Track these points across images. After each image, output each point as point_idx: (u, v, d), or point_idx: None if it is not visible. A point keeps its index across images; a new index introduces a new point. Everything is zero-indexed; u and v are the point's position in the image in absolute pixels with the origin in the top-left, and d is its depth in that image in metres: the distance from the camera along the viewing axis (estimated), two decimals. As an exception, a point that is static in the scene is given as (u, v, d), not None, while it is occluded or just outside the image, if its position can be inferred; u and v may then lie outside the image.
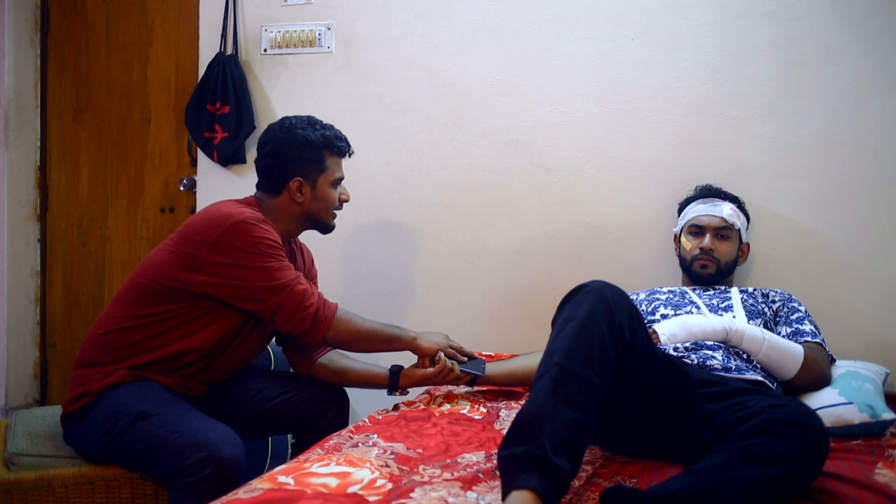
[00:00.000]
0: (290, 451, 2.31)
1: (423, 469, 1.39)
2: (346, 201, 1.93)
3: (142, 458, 1.60)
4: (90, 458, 1.67)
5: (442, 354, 1.87)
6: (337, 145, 1.88)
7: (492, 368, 1.93)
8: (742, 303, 1.96)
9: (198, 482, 1.49)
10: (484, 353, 2.36)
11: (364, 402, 2.60)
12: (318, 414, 1.87)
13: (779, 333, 1.90)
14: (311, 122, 1.88)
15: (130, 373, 1.68)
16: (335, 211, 1.92)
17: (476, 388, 1.98)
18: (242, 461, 1.57)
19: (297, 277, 1.73)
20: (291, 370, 2.00)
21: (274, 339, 2.00)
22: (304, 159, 1.83)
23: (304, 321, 1.71)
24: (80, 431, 1.67)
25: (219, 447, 1.52)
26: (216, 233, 1.67)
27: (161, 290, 1.70)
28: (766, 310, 1.96)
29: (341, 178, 1.91)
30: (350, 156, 1.94)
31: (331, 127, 1.90)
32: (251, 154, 2.69)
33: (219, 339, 1.74)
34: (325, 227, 1.94)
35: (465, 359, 1.91)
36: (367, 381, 1.94)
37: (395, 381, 1.90)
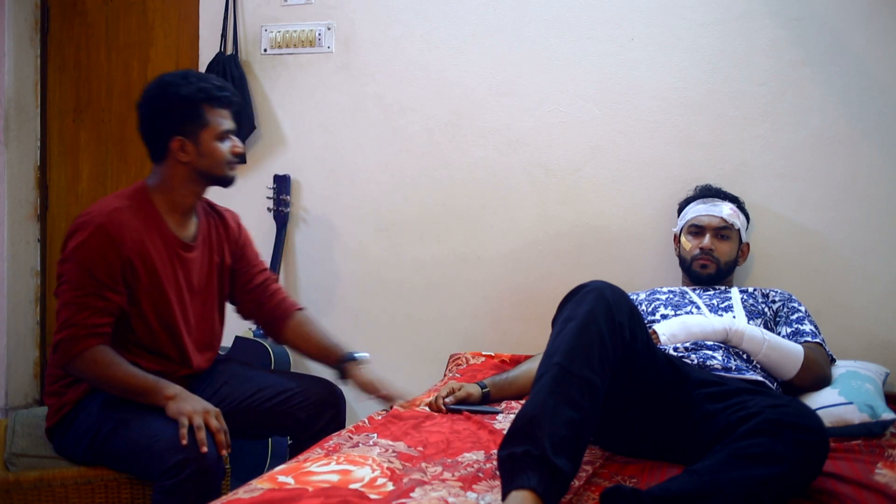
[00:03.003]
0: (288, 452, 2.31)
1: (425, 466, 1.39)
2: (240, 153, 1.79)
3: (125, 464, 1.61)
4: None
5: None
6: (216, 96, 1.73)
7: (494, 390, 1.90)
8: (742, 303, 1.96)
9: (177, 484, 1.48)
10: (484, 353, 2.36)
11: (364, 402, 2.60)
12: (315, 415, 1.86)
13: (779, 333, 1.90)
14: (185, 75, 1.73)
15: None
16: (231, 163, 1.78)
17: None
18: (222, 462, 1.57)
19: (72, 299, 1.62)
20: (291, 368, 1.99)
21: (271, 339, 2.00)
22: (180, 117, 1.70)
23: (55, 343, 1.63)
24: (68, 441, 1.67)
25: (197, 448, 1.51)
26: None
27: None
28: (766, 310, 1.96)
29: (229, 130, 1.77)
30: (235, 105, 1.80)
31: (208, 78, 1.75)
32: (251, 154, 2.69)
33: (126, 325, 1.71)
34: (224, 181, 1.80)
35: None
36: (320, 356, 1.93)
37: (342, 372, 1.88)
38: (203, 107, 1.71)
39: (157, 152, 1.74)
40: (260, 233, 2.67)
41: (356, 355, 1.90)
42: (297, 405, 1.84)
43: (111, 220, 1.64)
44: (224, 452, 1.57)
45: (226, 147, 1.76)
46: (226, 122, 1.76)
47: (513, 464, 1.18)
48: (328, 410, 1.87)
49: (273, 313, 1.93)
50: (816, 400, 1.71)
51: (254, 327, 2.54)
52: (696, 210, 2.09)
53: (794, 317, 1.93)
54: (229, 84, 1.79)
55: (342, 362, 1.88)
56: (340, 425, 1.88)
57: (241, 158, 1.84)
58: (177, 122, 1.70)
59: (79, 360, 1.60)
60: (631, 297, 1.88)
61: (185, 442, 1.51)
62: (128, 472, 1.64)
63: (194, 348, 1.80)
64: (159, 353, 1.73)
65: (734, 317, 1.90)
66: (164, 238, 1.73)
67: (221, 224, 1.91)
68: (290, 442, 1.95)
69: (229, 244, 1.90)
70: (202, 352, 1.83)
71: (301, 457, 1.45)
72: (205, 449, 1.51)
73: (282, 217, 2.61)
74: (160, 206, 1.74)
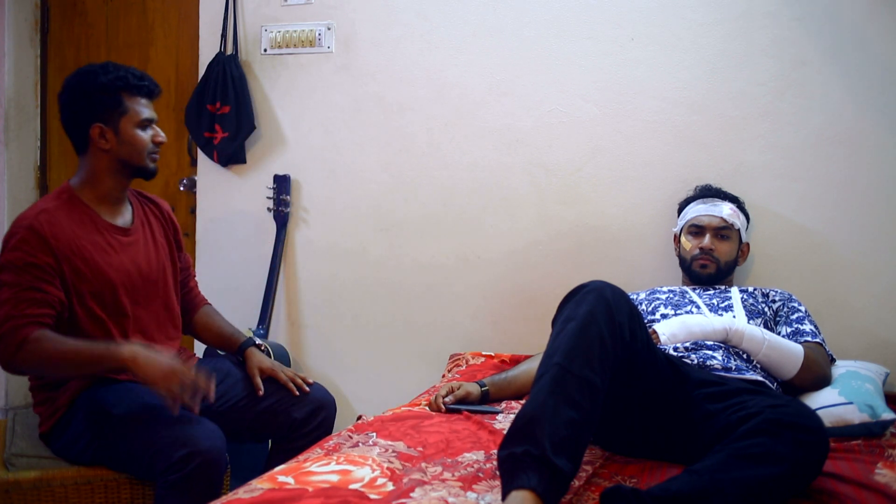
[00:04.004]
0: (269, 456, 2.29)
1: (425, 466, 1.39)
2: (161, 143, 1.80)
3: (126, 462, 1.61)
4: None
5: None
6: (134, 84, 1.75)
7: (494, 389, 1.91)
8: (742, 302, 1.96)
9: (182, 478, 1.49)
10: (484, 353, 2.36)
11: (364, 403, 2.60)
12: (310, 415, 1.86)
13: (779, 333, 1.90)
14: (104, 66, 1.75)
15: (84, 381, 1.69)
16: (152, 154, 1.79)
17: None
18: (225, 454, 1.58)
19: (10, 296, 1.60)
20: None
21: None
22: (99, 104, 1.71)
23: None
24: (66, 443, 1.67)
25: (200, 441, 1.52)
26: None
27: None
28: (766, 309, 1.96)
29: (150, 119, 1.78)
30: (155, 95, 1.81)
31: (127, 68, 1.76)
32: (251, 154, 2.69)
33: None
34: (146, 172, 1.79)
35: None
36: (223, 344, 1.98)
37: (242, 356, 1.92)
38: (122, 94, 1.73)
39: (80, 143, 1.75)
40: (260, 233, 2.67)
41: (256, 340, 1.98)
42: (293, 405, 1.85)
43: (38, 221, 1.64)
44: (212, 397, 1.61)
45: (147, 135, 1.77)
46: (146, 110, 1.77)
47: (513, 464, 1.18)
48: (322, 412, 1.88)
49: (185, 304, 1.97)
50: (816, 400, 1.72)
51: (254, 327, 2.54)
52: (696, 210, 2.09)
53: (794, 316, 1.93)
54: (149, 76, 1.80)
55: (243, 348, 1.93)
56: (329, 430, 1.89)
57: (158, 147, 1.83)
58: (96, 109, 1.72)
59: (23, 350, 1.56)
60: (631, 297, 1.88)
61: (176, 412, 1.54)
62: (129, 471, 1.63)
63: (156, 331, 1.81)
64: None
65: (734, 316, 1.90)
66: (97, 227, 1.73)
67: (157, 209, 1.93)
68: (269, 447, 1.95)
69: (167, 228, 1.92)
70: (165, 335, 1.84)
71: (301, 456, 1.45)
72: (196, 410, 1.56)
73: (282, 217, 2.61)
74: (88, 199, 1.75)
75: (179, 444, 1.51)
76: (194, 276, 2.06)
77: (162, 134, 1.82)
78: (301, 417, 1.85)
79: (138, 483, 1.64)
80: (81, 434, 1.64)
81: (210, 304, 2.06)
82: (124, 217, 1.81)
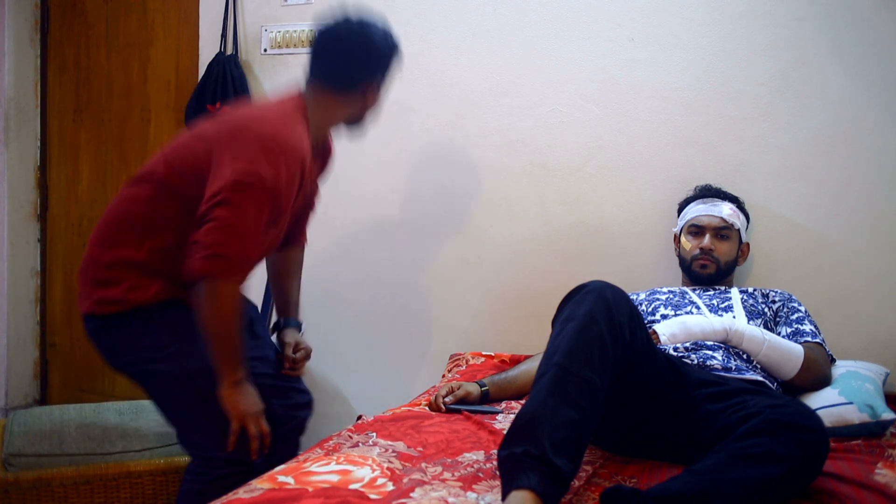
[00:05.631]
0: None
1: (425, 466, 1.39)
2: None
3: (188, 418, 1.58)
4: (117, 368, 1.62)
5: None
6: (399, 54, 1.81)
7: (494, 389, 1.91)
8: (742, 303, 1.96)
9: (225, 477, 1.52)
10: (484, 353, 2.36)
11: (364, 403, 2.60)
12: (292, 412, 1.84)
13: (779, 333, 1.90)
14: (385, 29, 1.76)
15: (165, 288, 1.59)
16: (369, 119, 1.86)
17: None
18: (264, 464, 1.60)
19: (254, 228, 1.54)
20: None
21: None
22: (382, 64, 1.75)
23: (218, 254, 1.49)
24: (119, 341, 1.59)
25: (248, 454, 1.55)
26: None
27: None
28: (766, 310, 1.96)
29: None
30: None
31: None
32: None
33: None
34: (364, 126, 1.85)
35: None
36: (279, 300, 1.98)
37: (281, 324, 1.93)
38: (393, 61, 1.78)
39: (343, 84, 1.72)
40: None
41: (302, 327, 1.97)
42: (284, 398, 1.84)
43: (304, 150, 1.59)
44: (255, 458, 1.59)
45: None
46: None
47: (513, 464, 1.18)
48: (301, 412, 1.88)
49: (289, 234, 1.91)
50: (816, 400, 1.71)
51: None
52: (696, 210, 2.09)
53: (794, 317, 1.93)
54: None
55: (287, 321, 1.92)
56: (301, 431, 1.89)
57: None
58: (379, 68, 1.74)
59: (225, 284, 1.51)
60: (631, 297, 1.88)
61: (231, 448, 1.52)
62: (169, 414, 1.61)
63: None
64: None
65: (734, 317, 1.90)
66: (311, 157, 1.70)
67: (325, 158, 1.94)
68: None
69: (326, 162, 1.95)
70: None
71: (301, 456, 1.45)
72: (255, 457, 1.54)
73: (282, 217, 2.61)
74: (311, 122, 1.69)
75: (239, 448, 1.54)
76: (314, 210, 2.02)
77: None
78: (283, 415, 1.80)
79: (138, 482, 1.64)
80: (148, 347, 1.56)
81: (304, 248, 2.02)
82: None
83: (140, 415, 2.11)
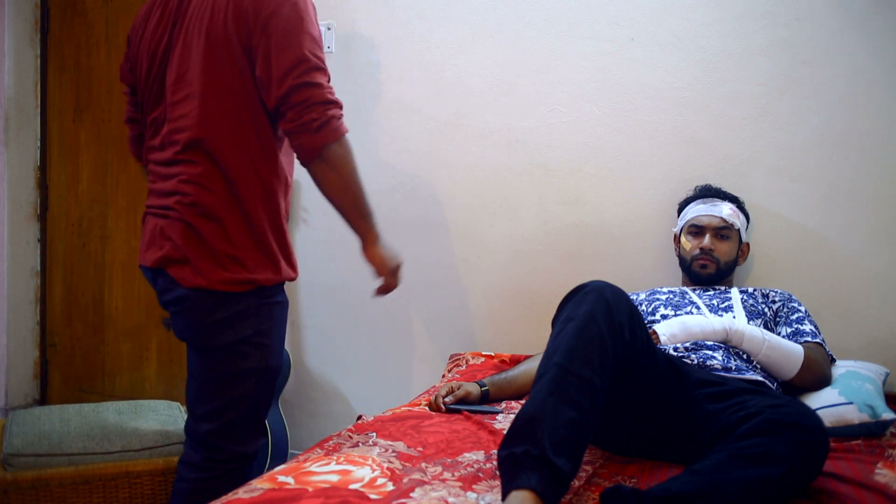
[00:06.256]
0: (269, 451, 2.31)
1: (425, 466, 1.39)
2: None
3: (233, 406, 1.55)
4: (202, 339, 1.55)
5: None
6: None
7: (494, 389, 1.91)
8: (742, 303, 1.96)
9: (247, 471, 1.54)
10: (484, 353, 2.36)
11: (364, 403, 2.60)
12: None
13: (779, 333, 1.90)
14: None
15: (275, 275, 1.56)
16: None
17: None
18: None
19: (325, 70, 1.50)
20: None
21: None
22: None
23: (325, 121, 1.45)
24: (231, 321, 1.53)
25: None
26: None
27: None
28: (766, 310, 1.96)
29: None
30: None
31: None
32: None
33: None
34: None
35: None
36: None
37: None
38: None
39: None
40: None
41: None
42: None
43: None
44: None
45: None
46: None
47: (513, 464, 1.18)
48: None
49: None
50: (816, 400, 1.71)
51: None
52: (696, 210, 2.09)
53: (794, 317, 1.93)
54: None
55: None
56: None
57: None
58: None
59: (344, 140, 1.48)
60: (631, 297, 1.89)
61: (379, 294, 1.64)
62: (213, 395, 1.55)
63: None
64: None
65: (734, 317, 1.90)
66: None
67: None
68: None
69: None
70: None
71: (301, 456, 1.45)
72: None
73: (282, 217, 2.60)
74: None
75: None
76: None
77: None
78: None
79: (136, 482, 1.64)
80: (248, 328, 1.54)
81: None
82: None
83: (139, 414, 2.11)
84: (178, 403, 2.29)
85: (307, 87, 1.43)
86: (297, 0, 1.45)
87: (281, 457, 2.42)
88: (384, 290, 1.68)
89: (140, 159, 1.78)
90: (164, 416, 2.13)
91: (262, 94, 1.47)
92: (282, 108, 1.45)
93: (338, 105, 1.48)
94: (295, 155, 1.56)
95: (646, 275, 2.30)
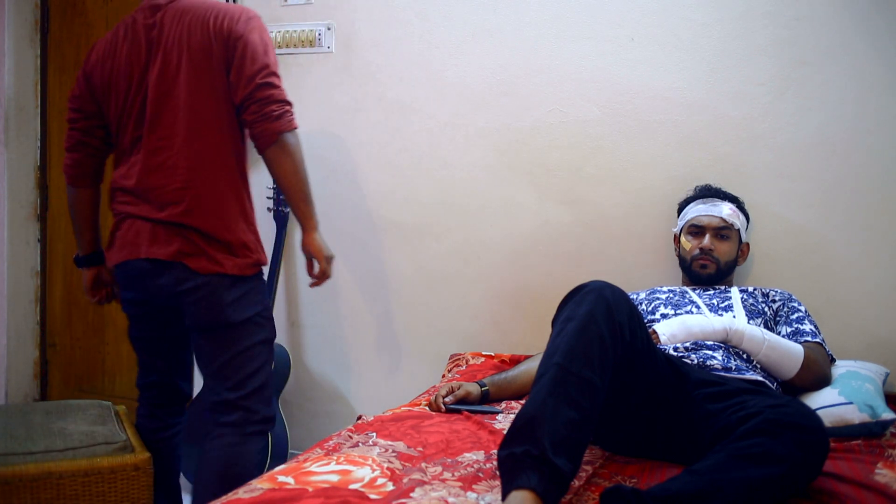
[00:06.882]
0: (268, 449, 2.31)
1: (425, 466, 1.39)
2: None
3: (257, 372, 1.81)
4: (224, 320, 1.77)
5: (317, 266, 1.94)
6: None
7: (494, 389, 1.91)
8: (742, 302, 1.96)
9: (262, 434, 1.81)
10: (484, 353, 2.36)
11: (364, 403, 2.60)
12: None
13: (779, 333, 1.90)
14: None
15: (264, 255, 1.89)
16: None
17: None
18: None
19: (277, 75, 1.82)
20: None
21: None
22: None
23: (282, 112, 1.76)
24: (247, 299, 1.81)
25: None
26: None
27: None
28: (766, 309, 1.96)
29: None
30: None
31: None
32: (251, 154, 2.68)
33: None
34: None
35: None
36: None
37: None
38: None
39: None
40: (260, 233, 2.67)
41: None
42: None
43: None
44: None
45: None
46: None
47: (513, 464, 1.18)
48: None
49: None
50: (816, 400, 1.72)
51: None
52: (696, 210, 2.09)
53: (794, 316, 1.93)
54: None
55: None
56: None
57: None
58: None
59: (296, 132, 1.78)
60: (631, 297, 1.88)
61: (314, 280, 1.93)
62: (236, 366, 1.78)
63: None
64: None
65: (734, 316, 1.90)
66: None
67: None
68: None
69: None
70: None
71: (301, 456, 1.45)
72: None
73: (282, 217, 2.61)
74: None
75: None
76: None
77: None
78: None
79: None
80: (259, 302, 1.83)
81: None
82: None
83: (67, 415, 2.01)
84: (111, 403, 2.21)
85: (269, 87, 1.74)
86: (262, 27, 1.80)
87: (281, 457, 2.42)
88: (320, 278, 1.93)
89: (77, 183, 2.17)
90: (93, 416, 2.04)
91: (231, 93, 1.76)
92: (246, 103, 1.74)
93: (291, 105, 1.79)
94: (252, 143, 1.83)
95: (646, 275, 2.30)
